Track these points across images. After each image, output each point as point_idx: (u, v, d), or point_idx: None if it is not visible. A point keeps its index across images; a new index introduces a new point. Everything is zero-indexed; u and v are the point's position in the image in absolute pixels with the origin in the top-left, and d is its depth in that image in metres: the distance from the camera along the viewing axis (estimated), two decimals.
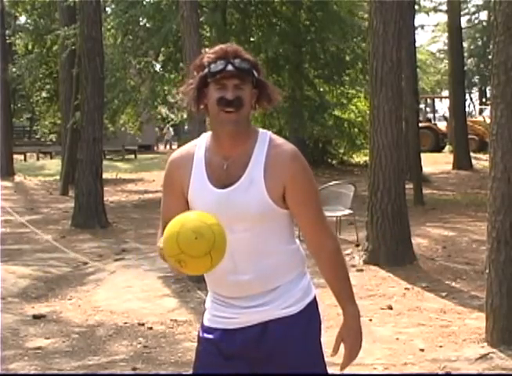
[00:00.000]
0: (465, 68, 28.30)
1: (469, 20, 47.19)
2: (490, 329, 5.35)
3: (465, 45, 35.65)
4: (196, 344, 2.56)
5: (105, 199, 12.67)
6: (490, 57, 9.23)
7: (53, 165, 24.99)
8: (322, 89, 20.11)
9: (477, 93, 53.62)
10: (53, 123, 29.72)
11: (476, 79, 51.64)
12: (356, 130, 20.25)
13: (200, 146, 2.43)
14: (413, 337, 5.75)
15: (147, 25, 17.91)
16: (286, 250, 2.43)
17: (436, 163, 22.43)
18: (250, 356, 2.40)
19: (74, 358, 5.50)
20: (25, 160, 29.68)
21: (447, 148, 27.35)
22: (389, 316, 6.37)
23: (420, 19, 60.99)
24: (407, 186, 9.38)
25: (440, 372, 4.96)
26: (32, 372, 5.21)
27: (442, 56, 49.82)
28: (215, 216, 2.18)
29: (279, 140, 2.41)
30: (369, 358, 5.19)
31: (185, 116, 18.27)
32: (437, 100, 39.31)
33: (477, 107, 39.35)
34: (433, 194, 15.69)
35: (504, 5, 5.22)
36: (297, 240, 2.50)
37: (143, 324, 6.32)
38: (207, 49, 2.53)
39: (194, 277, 6.68)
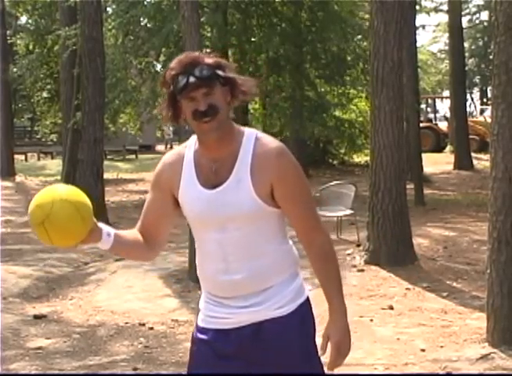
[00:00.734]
0: (466, 68, 28.32)
1: (470, 20, 47.14)
2: (491, 329, 5.35)
3: (466, 45, 35.56)
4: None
5: (106, 199, 12.65)
6: (491, 57, 9.24)
7: (54, 165, 24.99)
8: (323, 89, 20.08)
9: (478, 93, 53.55)
10: (54, 123, 29.69)
11: (477, 79, 51.56)
12: (357, 130, 20.24)
13: (189, 147, 2.45)
14: (414, 337, 5.75)
15: (148, 25, 17.89)
16: (279, 250, 2.42)
17: (437, 163, 22.42)
18: (244, 356, 2.39)
19: (75, 358, 5.51)
20: (26, 160, 29.64)
21: (448, 148, 27.34)
22: (390, 316, 6.36)
23: (420, 19, 61.21)
24: (408, 187, 9.38)
25: (441, 372, 4.95)
26: (33, 372, 5.21)
27: (443, 56, 49.77)
28: (84, 196, 2.25)
29: (266, 139, 2.39)
30: (370, 358, 5.20)
31: None
32: (438, 100, 39.30)
33: (478, 107, 39.46)
34: (434, 194, 15.69)
35: (505, 6, 5.22)
36: (290, 241, 2.49)
37: (144, 324, 6.32)
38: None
39: (195, 277, 6.67)
